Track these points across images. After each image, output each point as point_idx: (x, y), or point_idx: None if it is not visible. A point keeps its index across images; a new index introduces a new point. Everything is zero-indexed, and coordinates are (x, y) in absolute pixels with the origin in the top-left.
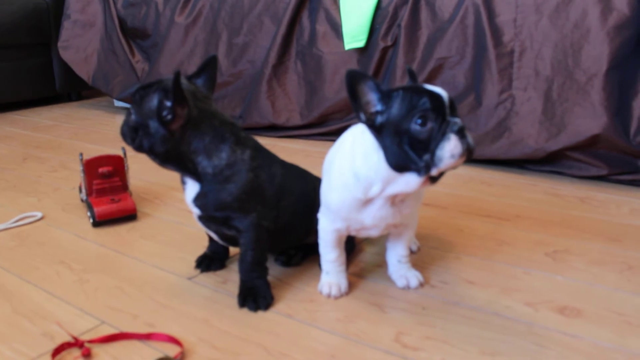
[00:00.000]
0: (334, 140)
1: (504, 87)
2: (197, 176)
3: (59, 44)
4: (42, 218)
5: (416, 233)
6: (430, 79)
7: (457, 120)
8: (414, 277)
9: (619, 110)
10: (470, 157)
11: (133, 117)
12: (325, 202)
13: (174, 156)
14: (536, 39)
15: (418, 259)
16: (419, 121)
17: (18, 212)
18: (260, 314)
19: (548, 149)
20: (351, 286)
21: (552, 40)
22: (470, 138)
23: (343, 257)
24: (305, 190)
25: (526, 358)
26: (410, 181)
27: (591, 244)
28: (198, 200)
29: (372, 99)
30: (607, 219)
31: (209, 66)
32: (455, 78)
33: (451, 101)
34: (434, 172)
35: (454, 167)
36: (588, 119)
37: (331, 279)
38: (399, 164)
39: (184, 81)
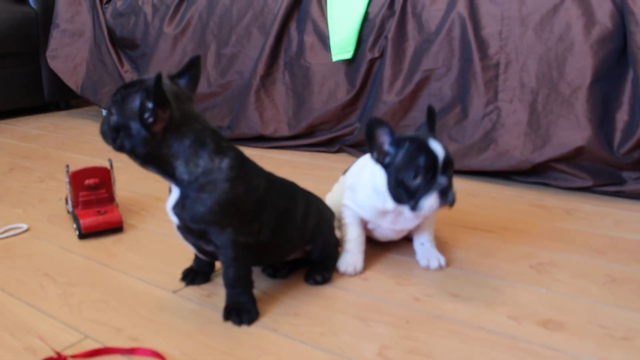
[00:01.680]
0: (321, 151)
1: (489, 99)
2: (175, 181)
3: (48, 53)
4: (27, 230)
5: (398, 244)
6: (417, 91)
7: (443, 180)
8: (434, 259)
9: (602, 122)
10: (451, 207)
11: (115, 117)
12: (353, 197)
13: (155, 158)
14: (521, 51)
15: (402, 272)
16: (412, 175)
17: (3, 223)
18: (245, 328)
19: (533, 160)
20: (335, 299)
21: (537, 53)
22: (452, 194)
23: (363, 238)
24: (290, 206)
25: None
26: (406, 209)
27: (576, 256)
28: (176, 208)
29: (385, 141)
30: (591, 230)
31: (193, 66)
32: (442, 90)
33: (446, 160)
34: (417, 213)
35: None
36: (572, 130)
37: (350, 258)
38: (394, 198)
39: (166, 82)
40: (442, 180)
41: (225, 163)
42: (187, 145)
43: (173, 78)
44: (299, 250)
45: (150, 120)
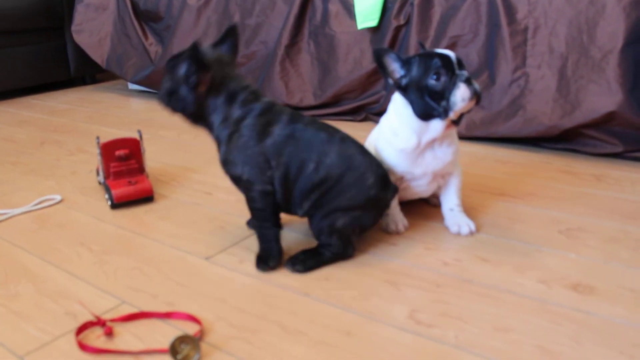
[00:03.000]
0: (347, 120)
1: (517, 65)
2: (214, 135)
3: (73, 27)
4: (61, 201)
5: (426, 210)
6: None
7: (464, 72)
8: (465, 225)
9: (634, 87)
10: (478, 100)
11: (167, 83)
12: (381, 160)
13: (201, 117)
14: (550, 15)
15: (431, 237)
16: (434, 77)
17: (38, 195)
18: (277, 291)
19: (562, 126)
20: (364, 264)
21: (566, 17)
22: (476, 85)
23: (397, 200)
24: (307, 160)
25: (539, 335)
26: (436, 126)
27: (605, 221)
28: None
29: (395, 67)
30: (621, 196)
31: (231, 34)
32: (469, 56)
33: (458, 59)
34: (451, 115)
35: (467, 110)
36: (603, 96)
37: (392, 218)
38: (423, 113)
39: (208, 49)
40: (463, 72)
41: (245, 115)
42: (221, 102)
43: (215, 45)
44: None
45: (195, 82)
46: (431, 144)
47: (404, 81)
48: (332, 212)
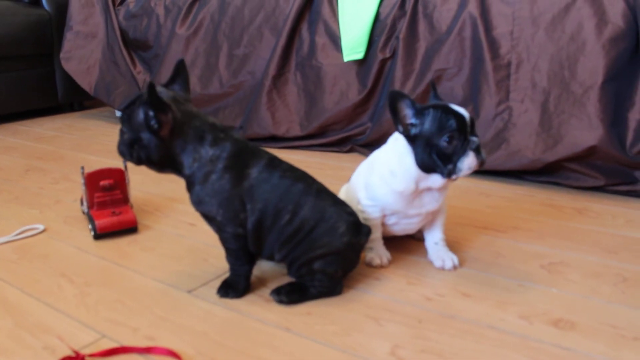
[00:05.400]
0: (333, 151)
1: (501, 99)
2: (183, 177)
3: (62, 55)
4: (43, 230)
5: (409, 244)
6: (428, 91)
7: (476, 139)
8: (449, 259)
9: (614, 122)
10: (482, 167)
11: (127, 134)
12: (372, 196)
13: (167, 161)
14: (532, 51)
15: (414, 271)
16: (447, 139)
17: (21, 224)
18: (258, 326)
19: (545, 160)
20: (347, 299)
21: (548, 53)
22: (484, 153)
23: (380, 234)
24: (282, 205)
25: None
26: (436, 180)
27: (587, 255)
28: (190, 199)
29: (408, 114)
30: (603, 230)
31: (180, 70)
32: (453, 90)
33: (472, 121)
34: (454, 177)
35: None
36: (584, 130)
37: (375, 252)
38: (426, 168)
39: (161, 89)
40: (474, 139)
41: (219, 154)
42: (188, 142)
43: (167, 85)
44: (283, 250)
45: (156, 126)
46: (429, 189)
47: (413, 130)
48: (308, 261)
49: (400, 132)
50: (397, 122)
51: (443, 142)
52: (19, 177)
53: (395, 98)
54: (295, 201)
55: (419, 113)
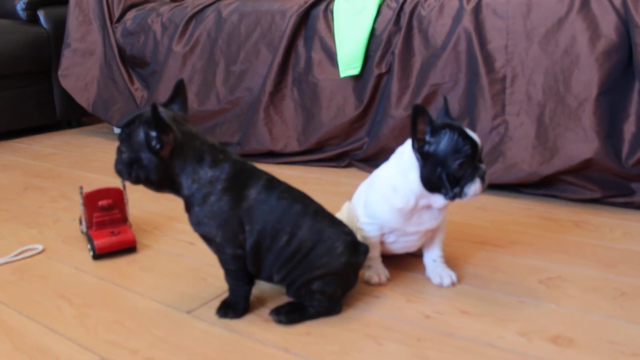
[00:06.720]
0: (331, 166)
1: (497, 113)
2: (182, 197)
3: (59, 72)
4: (42, 251)
5: (407, 261)
6: (425, 105)
7: (483, 167)
8: (447, 276)
9: (610, 134)
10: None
11: (126, 154)
12: (371, 214)
13: (166, 181)
14: (527, 65)
15: (412, 289)
16: (459, 163)
17: (19, 244)
18: (257, 346)
19: (542, 173)
20: (346, 318)
21: (542, 66)
22: (486, 180)
23: (379, 252)
24: (279, 227)
25: None
26: (438, 200)
27: (585, 269)
28: (189, 220)
29: (424, 129)
30: (601, 243)
31: (179, 91)
32: (449, 104)
33: (480, 148)
34: (457, 200)
35: None
36: (580, 143)
37: (374, 270)
38: (431, 186)
39: (161, 109)
40: (482, 166)
41: (218, 175)
42: (187, 162)
43: (166, 105)
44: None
45: (158, 146)
46: (429, 206)
47: (427, 147)
48: (307, 282)
49: (414, 148)
50: (414, 136)
51: (455, 165)
52: (17, 196)
53: (417, 112)
54: (293, 222)
55: (435, 131)
